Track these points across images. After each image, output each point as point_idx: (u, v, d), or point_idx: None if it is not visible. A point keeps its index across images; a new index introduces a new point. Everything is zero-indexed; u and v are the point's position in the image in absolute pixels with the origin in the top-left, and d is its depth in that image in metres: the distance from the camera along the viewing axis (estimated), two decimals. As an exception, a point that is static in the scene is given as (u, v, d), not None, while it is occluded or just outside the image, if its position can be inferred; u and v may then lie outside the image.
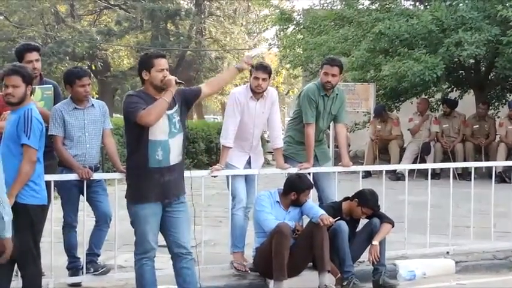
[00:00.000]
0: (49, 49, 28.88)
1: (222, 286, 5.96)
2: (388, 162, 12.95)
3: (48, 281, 5.55)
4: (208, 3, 34.75)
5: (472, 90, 14.49)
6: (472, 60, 13.15)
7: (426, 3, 13.83)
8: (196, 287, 5.04)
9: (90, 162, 5.77)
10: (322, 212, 5.88)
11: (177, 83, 4.80)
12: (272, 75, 6.51)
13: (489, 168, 9.49)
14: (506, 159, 12.03)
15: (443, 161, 12.64)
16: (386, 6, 13.69)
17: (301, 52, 15.91)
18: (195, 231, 5.19)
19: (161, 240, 4.97)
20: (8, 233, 3.43)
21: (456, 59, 12.53)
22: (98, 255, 5.91)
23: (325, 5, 16.16)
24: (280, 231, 5.71)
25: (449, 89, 14.79)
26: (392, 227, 6.20)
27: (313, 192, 6.36)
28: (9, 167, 4.36)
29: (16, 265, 4.79)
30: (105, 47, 32.27)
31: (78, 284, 5.80)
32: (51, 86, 5.96)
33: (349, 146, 12.61)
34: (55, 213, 5.67)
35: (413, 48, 12.34)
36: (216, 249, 6.81)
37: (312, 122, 6.57)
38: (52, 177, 5.46)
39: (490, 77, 14.10)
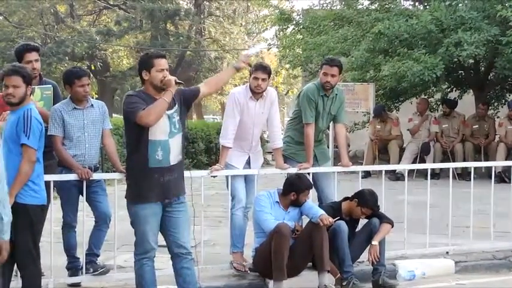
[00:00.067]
0: (48, 49, 28.89)
1: (222, 286, 5.96)
2: (388, 162, 12.95)
3: (48, 281, 5.55)
4: (207, 3, 34.76)
5: (471, 91, 14.50)
6: (471, 60, 13.15)
7: (425, 3, 13.83)
8: (196, 287, 5.04)
9: (90, 163, 5.77)
10: (321, 212, 5.88)
11: (176, 83, 4.80)
12: (271, 75, 6.51)
13: (489, 168, 9.50)
14: (506, 159, 12.04)
15: (443, 161, 12.65)
16: (386, 6, 13.70)
17: (301, 52, 15.90)
18: (194, 231, 5.19)
19: (161, 240, 4.97)
20: (6, 235, 3.41)
21: (456, 59, 12.52)
22: (98, 256, 5.91)
23: (325, 5, 16.17)
24: (280, 231, 5.71)
25: (448, 89, 14.80)
26: (392, 227, 6.20)
27: (312, 192, 6.36)
28: (9, 167, 4.34)
29: (16, 265, 4.79)
30: (105, 47, 32.27)
31: (78, 284, 5.80)
32: (50, 86, 5.96)
33: (349, 146, 12.64)
34: (54, 213, 5.67)
35: (413, 48, 12.34)
36: (216, 249, 6.81)
37: (311, 122, 6.57)
38: (51, 177, 5.46)
39: (489, 77, 14.11)
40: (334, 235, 5.94)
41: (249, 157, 6.41)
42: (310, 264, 6.03)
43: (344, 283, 5.88)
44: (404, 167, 9.86)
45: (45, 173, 4.98)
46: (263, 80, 6.15)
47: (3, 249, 3.43)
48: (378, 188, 6.49)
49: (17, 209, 4.40)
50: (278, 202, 6.09)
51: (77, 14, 34.23)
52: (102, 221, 5.84)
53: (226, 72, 5.71)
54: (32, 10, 31.40)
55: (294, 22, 16.52)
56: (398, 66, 11.94)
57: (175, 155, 4.85)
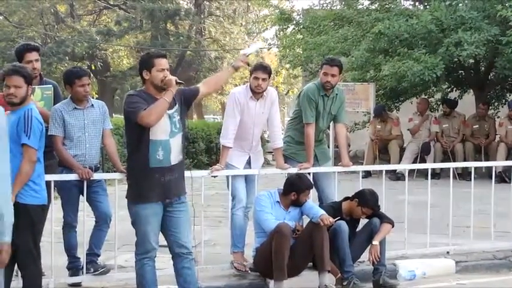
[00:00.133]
0: (49, 49, 28.90)
1: (222, 286, 5.96)
2: (388, 162, 12.96)
3: (49, 281, 5.55)
4: (207, 3, 34.76)
5: (471, 90, 14.50)
6: (471, 60, 13.15)
7: (426, 3, 13.83)
8: (197, 287, 5.04)
9: (90, 162, 5.77)
10: (322, 212, 5.88)
11: (177, 83, 4.81)
12: (272, 75, 6.51)
13: (489, 168, 9.49)
14: (506, 159, 12.04)
15: (443, 161, 12.64)
16: (386, 6, 13.70)
17: (301, 52, 15.91)
18: (194, 231, 5.19)
19: (162, 240, 4.97)
20: (8, 237, 3.39)
21: (456, 59, 12.52)
22: (98, 255, 5.91)
23: (325, 5, 16.17)
24: (280, 231, 5.71)
25: (449, 89, 14.80)
26: (393, 227, 6.20)
27: (313, 192, 6.36)
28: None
29: (16, 265, 4.79)
30: (105, 47, 32.28)
31: (78, 284, 5.80)
32: (51, 86, 5.96)
33: (349, 146, 12.62)
34: (55, 213, 5.67)
35: (413, 48, 12.34)
36: (216, 249, 6.82)
37: (311, 121, 6.57)
38: (52, 177, 5.46)
39: (489, 77, 14.11)
40: (334, 235, 5.94)
41: (250, 157, 6.41)
42: (310, 264, 6.03)
43: (344, 283, 5.88)
44: (404, 166, 9.84)
45: (45, 173, 4.98)
46: (263, 79, 6.15)
47: (4, 252, 3.37)
48: (379, 188, 6.49)
49: (18, 209, 4.37)
50: (279, 202, 6.09)
51: (77, 14, 34.24)
52: (102, 221, 5.84)
53: (225, 72, 5.71)
54: (32, 10, 31.41)
55: (294, 22, 16.52)
56: (398, 66, 11.94)
57: (175, 155, 4.85)
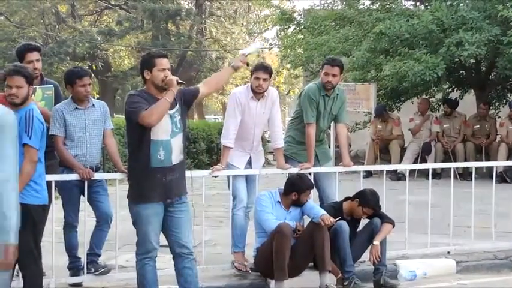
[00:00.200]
0: (50, 49, 28.92)
1: (223, 286, 5.96)
2: (389, 162, 12.96)
3: (49, 281, 5.56)
4: (208, 3, 34.76)
5: (472, 90, 14.49)
6: (472, 60, 13.15)
7: (427, 3, 13.82)
8: (198, 287, 5.04)
9: (91, 162, 5.77)
10: (323, 212, 5.87)
11: (178, 83, 4.81)
12: (273, 75, 6.51)
13: (490, 168, 9.48)
14: (507, 159, 12.03)
15: (444, 161, 12.64)
16: (387, 6, 13.70)
17: (302, 52, 15.91)
18: (194, 231, 5.18)
19: (163, 240, 4.97)
20: (13, 239, 3.35)
21: (457, 59, 12.52)
22: (99, 255, 5.91)
23: (326, 5, 16.16)
24: (281, 231, 5.71)
25: (450, 89, 14.80)
26: (393, 227, 6.20)
27: (313, 192, 6.37)
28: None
29: (17, 265, 4.79)
30: (106, 47, 32.30)
31: (79, 284, 5.80)
32: (51, 86, 5.97)
33: (350, 146, 12.61)
34: (56, 213, 5.67)
35: (414, 48, 12.33)
36: (217, 249, 6.82)
37: (312, 122, 6.57)
38: (53, 177, 5.47)
39: (490, 77, 14.10)
40: (335, 235, 5.94)
41: (250, 157, 6.41)
42: (311, 264, 6.03)
43: (345, 283, 5.88)
44: (405, 167, 9.83)
45: (46, 173, 4.98)
46: (264, 80, 6.15)
47: (10, 253, 3.27)
48: (379, 188, 6.49)
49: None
50: (279, 202, 6.09)
51: (78, 14, 34.26)
52: (103, 221, 5.84)
53: (225, 72, 5.70)
54: (33, 10, 31.44)
55: (295, 22, 16.51)
56: (399, 66, 11.94)
57: (177, 155, 4.85)
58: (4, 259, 3.22)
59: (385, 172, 7.04)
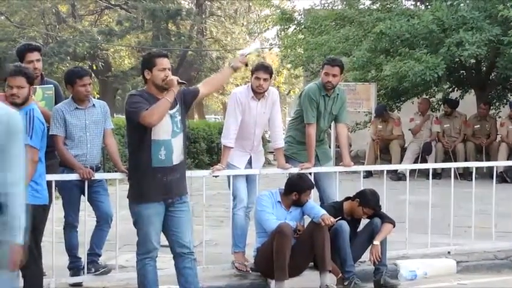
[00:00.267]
0: (50, 49, 28.91)
1: (223, 286, 5.96)
2: (389, 162, 12.95)
3: (50, 281, 5.56)
4: (209, 3, 34.76)
5: (473, 90, 14.49)
6: (473, 60, 13.15)
7: (427, 3, 13.82)
8: (198, 287, 5.04)
9: (91, 162, 5.77)
10: (323, 212, 5.87)
11: (179, 83, 4.81)
12: (273, 75, 6.51)
13: (490, 168, 9.47)
14: (508, 159, 12.04)
15: (445, 161, 12.63)
16: (387, 6, 13.70)
17: (302, 52, 15.90)
18: (194, 231, 5.18)
19: (163, 240, 4.97)
20: (20, 239, 3.33)
21: (457, 59, 12.52)
22: (99, 255, 5.91)
23: (326, 5, 16.15)
24: (282, 231, 5.71)
25: (450, 89, 14.79)
26: (394, 227, 6.20)
27: (314, 192, 6.37)
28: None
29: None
30: (106, 47, 32.30)
31: (79, 284, 5.81)
32: (52, 86, 5.96)
33: (350, 146, 12.62)
34: (56, 213, 5.68)
35: (414, 48, 12.33)
36: (217, 249, 6.82)
37: (312, 122, 6.57)
38: (53, 177, 5.47)
39: (491, 77, 14.10)
40: (335, 235, 5.94)
41: (251, 157, 6.41)
42: (311, 264, 6.03)
43: (346, 283, 5.88)
44: (406, 166, 9.83)
45: (47, 173, 4.98)
46: (265, 80, 6.15)
47: (17, 254, 3.22)
48: (380, 188, 6.49)
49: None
50: (280, 202, 6.09)
51: (79, 14, 34.26)
52: (103, 221, 5.84)
53: (224, 72, 5.70)
54: (34, 10, 31.44)
55: (296, 22, 16.50)
56: (399, 66, 11.94)
57: (177, 155, 4.85)
58: (12, 259, 3.22)
59: (385, 172, 7.04)
